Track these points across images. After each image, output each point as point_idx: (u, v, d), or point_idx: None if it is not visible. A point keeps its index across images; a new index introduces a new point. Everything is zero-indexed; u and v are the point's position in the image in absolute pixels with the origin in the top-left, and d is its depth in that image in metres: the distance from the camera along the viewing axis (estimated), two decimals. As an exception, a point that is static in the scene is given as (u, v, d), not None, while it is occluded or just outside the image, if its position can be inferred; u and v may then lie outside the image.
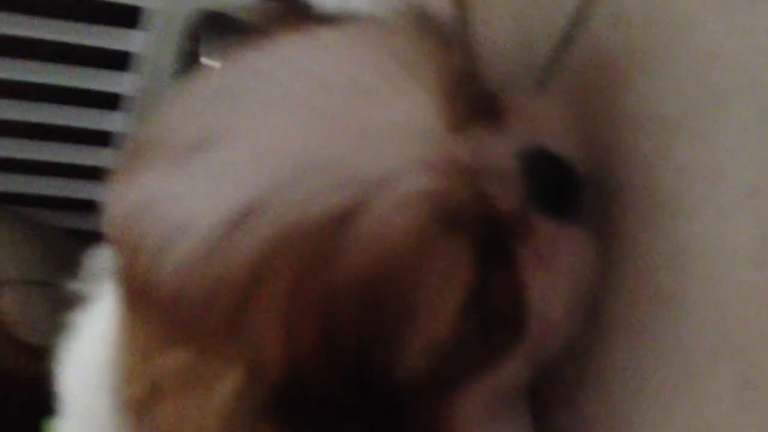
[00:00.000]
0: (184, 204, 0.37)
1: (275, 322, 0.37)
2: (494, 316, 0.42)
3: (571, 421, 0.49)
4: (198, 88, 0.42)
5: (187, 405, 0.39)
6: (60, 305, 0.54)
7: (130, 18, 1.13)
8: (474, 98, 0.42)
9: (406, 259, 0.37)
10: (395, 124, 0.38)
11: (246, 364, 0.38)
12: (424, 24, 0.44)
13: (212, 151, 0.38)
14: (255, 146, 0.38)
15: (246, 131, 0.38)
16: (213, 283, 0.37)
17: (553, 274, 0.43)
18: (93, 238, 0.46)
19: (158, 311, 0.39)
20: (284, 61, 0.41)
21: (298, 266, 0.36)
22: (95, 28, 1.14)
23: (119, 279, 0.42)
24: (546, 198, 0.43)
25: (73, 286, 0.55)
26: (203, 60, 0.97)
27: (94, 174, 1.25)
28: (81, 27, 1.14)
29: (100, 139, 1.24)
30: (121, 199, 0.40)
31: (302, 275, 0.36)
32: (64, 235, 1.38)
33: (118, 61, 1.16)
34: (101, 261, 0.50)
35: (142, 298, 0.40)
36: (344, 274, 0.36)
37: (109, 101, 1.21)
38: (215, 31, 0.96)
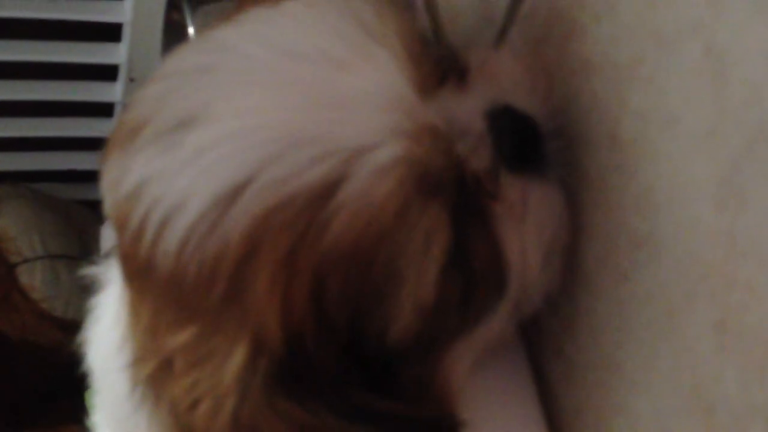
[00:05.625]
0: (176, 184, 0.38)
1: (271, 293, 0.38)
2: (475, 273, 0.43)
3: (563, 369, 0.49)
4: (173, 67, 0.43)
5: (199, 380, 0.40)
6: (84, 278, 0.55)
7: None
8: (439, 58, 0.43)
9: (388, 225, 0.38)
10: (367, 93, 0.39)
11: (250, 337, 0.39)
12: None
13: (197, 130, 0.39)
14: (237, 123, 0.38)
15: (227, 108, 0.39)
16: (210, 260, 0.38)
17: (526, 227, 0.44)
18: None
19: (161, 290, 0.40)
20: (254, 36, 0.41)
21: (288, 238, 0.37)
22: (85, 3, 1.14)
23: (122, 261, 0.43)
24: (513, 155, 0.43)
25: (93, 260, 0.56)
26: (190, 30, 0.97)
27: (100, 145, 1.26)
28: (72, 2, 1.13)
29: (101, 111, 1.24)
30: (115, 185, 0.41)
31: (293, 246, 0.37)
32: (78, 206, 1.39)
33: (111, 34, 1.16)
34: (113, 237, 0.51)
35: (144, 278, 0.41)
36: (331, 243, 0.37)
37: (106, 74, 1.21)
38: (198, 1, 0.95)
